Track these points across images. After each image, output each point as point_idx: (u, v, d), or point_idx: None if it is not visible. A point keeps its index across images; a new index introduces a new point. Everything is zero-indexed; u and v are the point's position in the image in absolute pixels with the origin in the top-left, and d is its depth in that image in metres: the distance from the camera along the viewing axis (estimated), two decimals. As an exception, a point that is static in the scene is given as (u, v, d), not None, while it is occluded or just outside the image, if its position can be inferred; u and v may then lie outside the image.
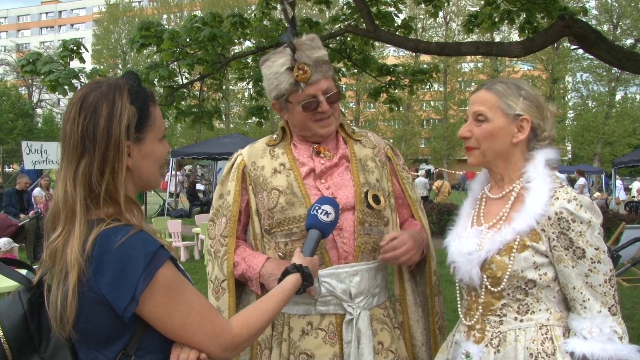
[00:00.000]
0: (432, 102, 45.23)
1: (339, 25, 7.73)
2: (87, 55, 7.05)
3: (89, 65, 7.18)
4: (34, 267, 1.50)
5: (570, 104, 40.64)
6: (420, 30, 39.01)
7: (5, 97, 44.57)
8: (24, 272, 1.51)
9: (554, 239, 1.63)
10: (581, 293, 1.63)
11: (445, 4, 7.48)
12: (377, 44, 9.58)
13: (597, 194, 20.42)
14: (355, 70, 8.55)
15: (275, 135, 2.16)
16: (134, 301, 1.23)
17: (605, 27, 36.69)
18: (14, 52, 50.33)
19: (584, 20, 5.79)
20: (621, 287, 7.68)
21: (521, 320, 1.70)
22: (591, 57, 7.91)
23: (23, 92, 50.91)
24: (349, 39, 7.66)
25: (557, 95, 38.81)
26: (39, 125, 48.40)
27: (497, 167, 1.79)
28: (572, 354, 1.60)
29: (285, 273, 1.62)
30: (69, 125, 1.32)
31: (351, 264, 1.97)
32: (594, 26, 6.06)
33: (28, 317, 1.35)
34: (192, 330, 1.31)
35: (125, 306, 1.23)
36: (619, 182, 20.59)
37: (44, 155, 11.60)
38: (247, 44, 8.65)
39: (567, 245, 1.62)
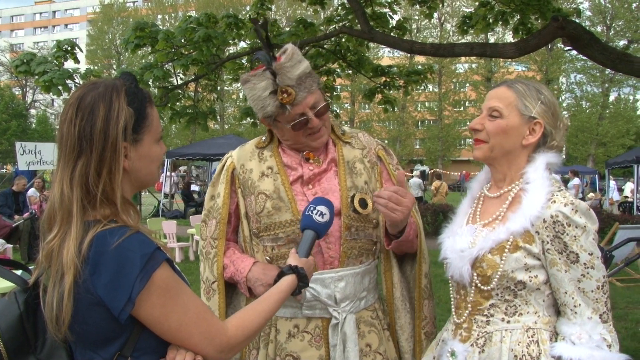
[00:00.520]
0: (426, 103, 45.30)
1: (333, 26, 7.73)
2: (81, 56, 7.03)
3: (83, 66, 7.15)
4: (30, 267, 1.49)
5: (564, 104, 40.78)
6: (415, 31, 39.10)
7: (-2, 98, 44.39)
8: (19, 272, 1.50)
9: (547, 242, 1.63)
10: (572, 298, 1.62)
11: (440, 5, 7.50)
12: (371, 45, 9.60)
13: (590, 194, 20.52)
14: (350, 71, 8.56)
15: (264, 137, 2.14)
16: (130, 303, 1.23)
17: (598, 29, 36.87)
18: (7, 52, 50.08)
19: (577, 21, 5.82)
20: (615, 287, 7.72)
21: (508, 322, 1.69)
22: (585, 58, 7.95)
23: (17, 93, 50.69)
24: (343, 39, 7.67)
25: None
26: (33, 125, 48.20)
27: (501, 166, 1.79)
28: (559, 358, 1.59)
29: (281, 274, 1.62)
30: (66, 126, 1.31)
31: (336, 269, 1.95)
32: (587, 27, 6.09)
33: (24, 318, 1.34)
34: (188, 332, 1.31)
35: (122, 308, 1.23)
36: (612, 183, 20.68)
37: (38, 156, 11.54)
38: (242, 44, 8.65)
39: (561, 249, 1.61)
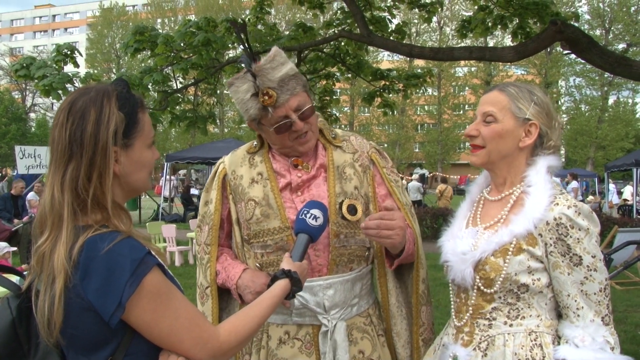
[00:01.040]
0: (426, 107, 45.39)
1: (333, 30, 7.75)
2: (81, 60, 7.03)
3: (83, 70, 7.16)
4: (25, 273, 1.49)
5: (563, 108, 40.87)
6: (414, 34, 39.18)
7: (-2, 101, 44.44)
8: (15, 278, 1.50)
9: (551, 245, 1.62)
10: (575, 301, 1.61)
11: (439, 9, 7.52)
12: (371, 48, 9.61)
13: (590, 197, 20.53)
14: (350, 75, 8.57)
15: (255, 142, 2.11)
16: (120, 308, 1.23)
17: (597, 32, 36.98)
18: (7, 56, 50.14)
19: (575, 25, 5.84)
20: (614, 290, 7.72)
21: (511, 325, 1.68)
22: (584, 61, 7.97)
23: (16, 97, 50.74)
24: (343, 43, 7.69)
25: (550, 100, 39.00)
26: (33, 129, 48.26)
27: (500, 170, 1.78)
28: None
29: (274, 279, 1.61)
30: (57, 130, 1.32)
31: (325, 277, 1.93)
32: (586, 31, 6.10)
33: (17, 324, 1.34)
34: (180, 337, 1.31)
35: (112, 312, 1.23)
36: (612, 186, 20.69)
37: (37, 159, 11.54)
38: (241, 48, 8.65)
39: (564, 251, 1.60)
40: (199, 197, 22.69)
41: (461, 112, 43.65)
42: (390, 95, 8.38)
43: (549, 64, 38.47)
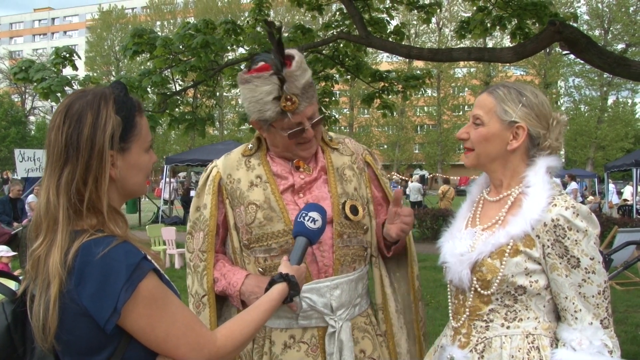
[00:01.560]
0: (425, 108, 45.42)
1: (331, 31, 7.76)
2: (80, 63, 7.04)
3: (82, 73, 7.16)
4: (21, 277, 1.49)
5: (562, 108, 40.87)
6: (414, 36, 39.23)
7: (-2, 105, 44.49)
8: (12, 284, 1.50)
9: (548, 246, 1.61)
10: (573, 303, 1.60)
11: (438, 11, 7.53)
12: (370, 50, 9.61)
13: (590, 198, 20.54)
14: (349, 77, 8.58)
15: (250, 145, 2.09)
16: (115, 313, 1.22)
17: (596, 32, 37.03)
18: (6, 60, 50.19)
19: (574, 25, 5.84)
20: (614, 290, 7.71)
21: (508, 327, 1.67)
22: (583, 62, 7.97)
23: (16, 100, 50.79)
24: (341, 45, 7.70)
25: (549, 100, 39.07)
26: (32, 132, 48.29)
27: (495, 172, 1.77)
28: None
29: (272, 283, 1.60)
30: (54, 133, 1.31)
31: (331, 277, 1.94)
32: (585, 31, 6.12)
33: (12, 329, 1.34)
34: (176, 342, 1.30)
35: (107, 318, 1.22)
36: (611, 186, 20.69)
37: (37, 162, 11.54)
38: (241, 50, 8.66)
39: (562, 253, 1.59)
40: (198, 199, 22.76)
41: (461, 113, 43.67)
42: (390, 96, 8.37)
43: (548, 64, 38.52)
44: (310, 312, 1.93)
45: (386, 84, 8.15)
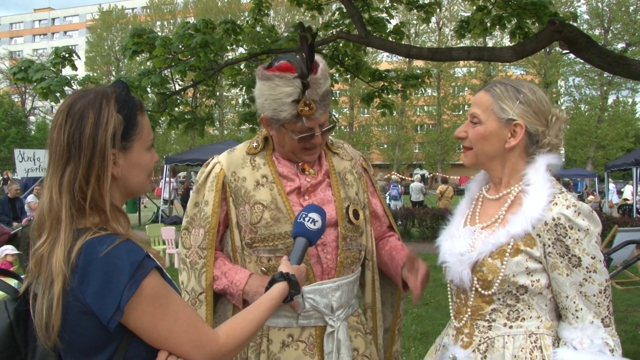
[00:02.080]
0: (425, 107, 45.42)
1: (331, 31, 7.75)
2: (80, 63, 7.05)
3: (82, 73, 7.16)
4: (22, 276, 1.49)
5: (563, 107, 40.82)
6: (413, 35, 39.24)
7: (-2, 105, 44.52)
8: (13, 282, 1.50)
9: (549, 245, 1.59)
10: (574, 302, 1.59)
11: (437, 10, 7.53)
12: (369, 49, 9.61)
13: (590, 197, 20.52)
14: (348, 76, 8.58)
15: (255, 143, 2.07)
16: (119, 311, 1.22)
17: (596, 32, 37.02)
18: (6, 60, 50.19)
19: (574, 25, 5.84)
20: (614, 290, 7.71)
21: (510, 327, 1.66)
22: (583, 61, 7.98)
23: (16, 100, 50.80)
24: (341, 44, 7.69)
25: (550, 99, 39.08)
26: (32, 132, 48.32)
27: (494, 170, 1.76)
28: None
29: (272, 281, 1.61)
30: (56, 132, 1.31)
31: (334, 279, 1.97)
32: (585, 31, 6.11)
33: (14, 327, 1.34)
34: (178, 340, 1.30)
35: (111, 316, 1.22)
36: (612, 186, 20.68)
37: (36, 162, 11.56)
38: (240, 50, 8.67)
39: (563, 252, 1.57)
40: (198, 199, 22.79)
41: (461, 112, 43.66)
42: (389, 96, 8.38)
43: (548, 64, 38.51)
44: (312, 312, 1.95)
45: (386, 83, 8.15)
